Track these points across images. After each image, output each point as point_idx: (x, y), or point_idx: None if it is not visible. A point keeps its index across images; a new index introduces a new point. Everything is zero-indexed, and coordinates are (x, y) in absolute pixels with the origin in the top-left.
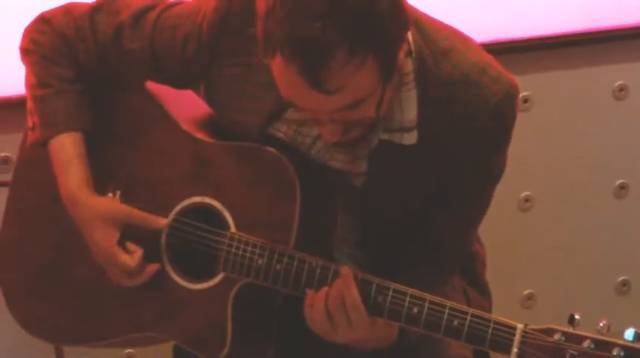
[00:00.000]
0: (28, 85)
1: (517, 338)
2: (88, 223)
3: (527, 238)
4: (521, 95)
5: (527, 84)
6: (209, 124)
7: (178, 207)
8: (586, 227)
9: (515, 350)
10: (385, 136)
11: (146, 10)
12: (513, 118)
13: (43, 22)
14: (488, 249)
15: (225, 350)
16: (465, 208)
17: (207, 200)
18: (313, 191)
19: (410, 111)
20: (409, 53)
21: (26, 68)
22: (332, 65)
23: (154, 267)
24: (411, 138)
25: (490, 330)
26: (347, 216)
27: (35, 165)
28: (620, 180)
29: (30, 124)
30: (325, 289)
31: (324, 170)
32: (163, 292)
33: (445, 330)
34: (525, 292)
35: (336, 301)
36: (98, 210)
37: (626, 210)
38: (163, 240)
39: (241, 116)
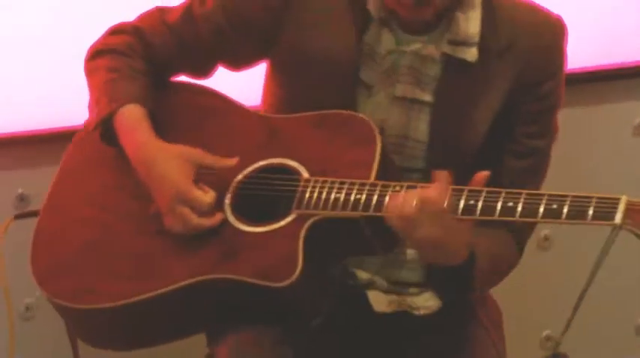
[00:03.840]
0: (96, 78)
1: (622, 206)
2: (162, 164)
3: (546, 277)
4: None
5: None
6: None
7: (250, 168)
8: (606, 265)
9: (619, 214)
10: (448, 49)
11: None
12: (566, 43)
13: (114, 30)
14: (507, 288)
15: (295, 276)
16: (525, 137)
17: (279, 160)
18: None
19: (474, 26)
20: None
21: (94, 67)
22: None
23: (222, 214)
24: (472, 54)
25: (593, 204)
26: (413, 141)
27: (81, 156)
28: None
29: (93, 110)
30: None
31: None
32: (224, 238)
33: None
34: (544, 333)
35: (427, 196)
36: (172, 151)
37: None
38: (230, 191)
39: (335, 41)
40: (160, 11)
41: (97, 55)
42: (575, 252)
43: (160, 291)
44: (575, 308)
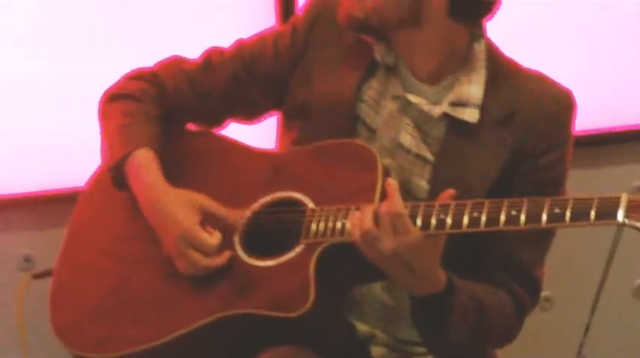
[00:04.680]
0: (110, 122)
1: (623, 203)
2: (169, 207)
3: (547, 337)
4: None
5: None
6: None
7: (256, 204)
8: (605, 327)
9: (621, 211)
10: (449, 110)
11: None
12: (573, 118)
13: (132, 76)
14: (509, 349)
15: (308, 304)
16: None
17: (282, 193)
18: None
19: (477, 89)
20: (479, 38)
21: (109, 111)
22: None
23: (230, 252)
24: (473, 115)
25: (595, 203)
26: (413, 198)
27: (91, 207)
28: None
29: (105, 154)
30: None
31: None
32: (237, 275)
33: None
34: None
35: (382, 208)
36: (179, 195)
37: None
38: (238, 228)
39: (336, 84)
40: (179, 60)
41: (112, 99)
42: (576, 312)
43: (180, 332)
44: (593, 310)
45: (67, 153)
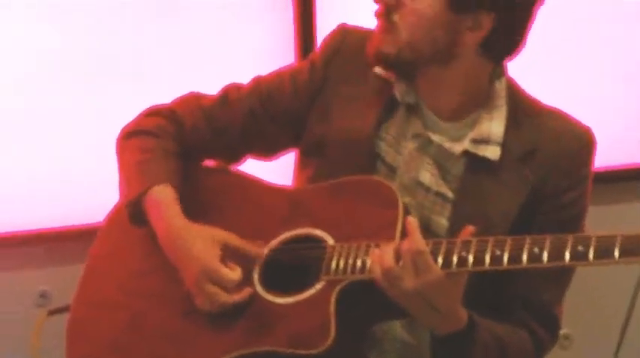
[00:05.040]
0: (128, 158)
1: None
2: (189, 243)
3: None
4: None
5: None
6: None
7: (275, 241)
8: None
9: None
10: (470, 147)
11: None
12: (593, 155)
13: (149, 113)
14: None
15: (329, 342)
16: None
17: (302, 230)
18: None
19: (498, 126)
20: (500, 76)
21: (127, 147)
22: None
23: (249, 289)
24: (494, 152)
25: (618, 240)
26: (433, 235)
27: (108, 243)
28: None
29: (123, 191)
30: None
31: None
32: (256, 312)
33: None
34: None
35: (403, 247)
36: (199, 231)
37: None
38: (257, 265)
39: (355, 121)
40: (196, 96)
41: (130, 135)
42: (595, 350)
43: None
44: (618, 347)
45: (83, 189)
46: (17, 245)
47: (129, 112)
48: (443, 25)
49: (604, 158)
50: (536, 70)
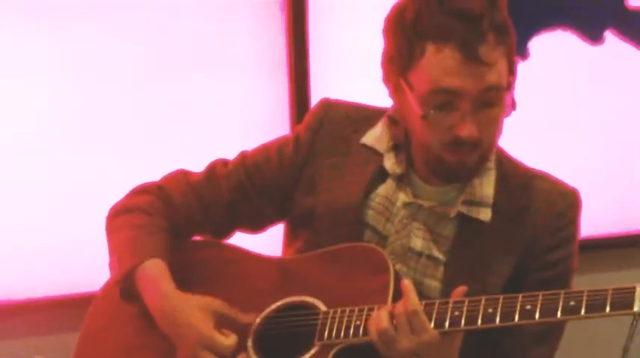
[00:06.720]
0: (118, 236)
1: (638, 293)
2: (183, 313)
3: None
4: None
5: None
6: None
7: (268, 309)
8: None
9: (638, 301)
10: (463, 209)
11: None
12: (579, 215)
13: (138, 191)
14: None
15: None
16: None
17: (294, 298)
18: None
19: (488, 188)
20: None
21: (117, 224)
22: (488, 40)
23: (244, 356)
24: (486, 214)
25: (609, 294)
26: (425, 298)
27: (102, 317)
28: None
29: (114, 267)
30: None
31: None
32: None
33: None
34: None
35: (398, 308)
36: (192, 300)
37: None
38: (251, 333)
39: (343, 191)
40: (183, 173)
41: (119, 213)
42: None
43: None
44: None
45: (77, 258)
46: (11, 314)
47: (123, 181)
48: None
49: (593, 226)
50: (522, 137)
